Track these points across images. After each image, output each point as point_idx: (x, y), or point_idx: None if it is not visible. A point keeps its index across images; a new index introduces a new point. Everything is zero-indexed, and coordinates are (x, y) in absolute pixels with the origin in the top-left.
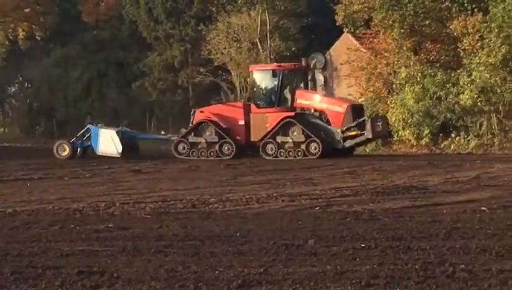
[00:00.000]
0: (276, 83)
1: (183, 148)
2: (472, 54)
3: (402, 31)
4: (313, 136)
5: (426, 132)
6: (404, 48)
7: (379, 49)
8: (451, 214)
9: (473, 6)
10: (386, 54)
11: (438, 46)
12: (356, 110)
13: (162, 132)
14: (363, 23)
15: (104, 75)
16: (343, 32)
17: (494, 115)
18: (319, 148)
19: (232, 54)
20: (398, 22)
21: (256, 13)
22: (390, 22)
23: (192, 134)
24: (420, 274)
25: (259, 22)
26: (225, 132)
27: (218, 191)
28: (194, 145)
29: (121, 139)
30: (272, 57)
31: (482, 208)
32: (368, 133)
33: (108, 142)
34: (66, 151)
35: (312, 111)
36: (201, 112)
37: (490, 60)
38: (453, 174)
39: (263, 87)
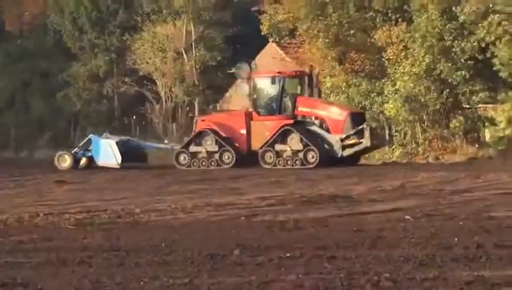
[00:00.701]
0: (276, 90)
1: (184, 158)
2: (396, 64)
3: (327, 40)
4: (310, 144)
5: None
6: (329, 58)
7: (304, 59)
8: (376, 223)
9: (397, 16)
10: (311, 64)
11: (363, 56)
12: (356, 117)
13: (165, 141)
14: (288, 33)
15: (28, 85)
16: (268, 42)
17: (418, 124)
18: (317, 157)
19: (157, 64)
20: (323, 32)
21: (181, 23)
22: (315, 31)
23: (193, 144)
24: (345, 283)
25: (185, 31)
26: (225, 141)
27: (145, 201)
28: (194, 155)
29: (124, 149)
30: (197, 67)
31: (406, 216)
32: (367, 141)
33: (107, 152)
34: (67, 162)
35: (313, 119)
36: (203, 120)
37: (414, 70)
38: (378, 183)
39: (264, 95)
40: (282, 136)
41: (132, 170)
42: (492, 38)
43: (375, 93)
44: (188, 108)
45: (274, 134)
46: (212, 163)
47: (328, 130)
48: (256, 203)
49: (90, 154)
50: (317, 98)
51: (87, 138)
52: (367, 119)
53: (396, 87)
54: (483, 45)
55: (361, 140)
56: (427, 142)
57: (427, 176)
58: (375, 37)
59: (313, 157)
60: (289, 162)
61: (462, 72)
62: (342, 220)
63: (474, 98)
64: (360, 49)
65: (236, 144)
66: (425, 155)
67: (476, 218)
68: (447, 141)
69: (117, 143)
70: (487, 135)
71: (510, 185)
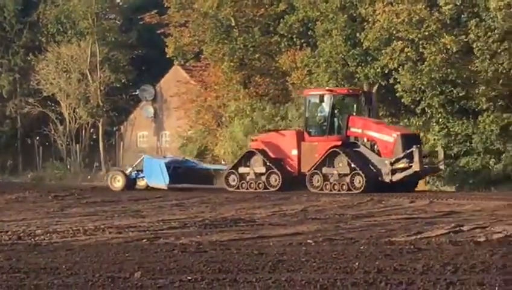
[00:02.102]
0: (327, 109)
1: (234, 180)
2: (300, 88)
3: (232, 64)
4: (357, 168)
5: None
6: (234, 81)
7: (209, 82)
8: (277, 247)
9: (302, 41)
10: (215, 87)
11: (267, 80)
12: (409, 139)
13: (223, 162)
14: (193, 55)
15: None
16: (173, 64)
17: None
18: (363, 182)
19: (62, 85)
20: (228, 56)
21: (86, 44)
22: (220, 55)
23: (242, 165)
24: None
25: (89, 52)
26: (274, 162)
27: (45, 222)
28: (243, 176)
29: (178, 170)
30: (101, 88)
31: (308, 240)
32: (416, 166)
33: (157, 173)
34: (120, 183)
35: (365, 140)
36: (255, 140)
37: None
38: (280, 207)
39: (315, 114)
40: (330, 158)
41: (33, 193)
42: (395, 64)
43: (279, 117)
44: (91, 129)
45: (322, 156)
46: (260, 185)
47: (378, 153)
48: (158, 226)
49: (143, 174)
50: (371, 118)
51: (141, 158)
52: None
53: (300, 111)
54: (386, 71)
55: (410, 164)
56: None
57: (329, 200)
58: (279, 61)
59: (359, 182)
60: (336, 186)
61: None
62: (244, 244)
63: None
64: (264, 73)
65: (287, 166)
66: None
67: (377, 243)
68: None
69: (168, 163)
70: None
71: (411, 210)
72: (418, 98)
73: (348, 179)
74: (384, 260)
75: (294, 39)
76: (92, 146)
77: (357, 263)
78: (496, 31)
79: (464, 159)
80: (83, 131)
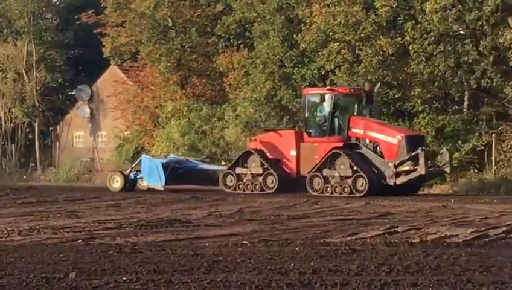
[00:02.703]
0: (327, 109)
1: (231, 180)
2: (237, 89)
3: (169, 64)
4: (360, 170)
5: None
6: (171, 82)
7: (146, 83)
8: (213, 248)
9: (239, 42)
10: (152, 88)
11: (204, 80)
12: (414, 141)
13: (223, 162)
14: (130, 56)
15: None
16: (110, 64)
17: None
18: (366, 184)
19: None
20: (165, 56)
21: (22, 43)
22: (157, 55)
23: (240, 165)
24: None
25: (26, 52)
26: (272, 163)
27: None
28: (240, 177)
29: (179, 170)
30: (37, 88)
31: (244, 241)
32: (421, 169)
33: (154, 173)
34: (118, 183)
35: (367, 142)
36: (254, 140)
37: (255, 96)
38: (216, 208)
39: (315, 114)
40: (331, 160)
41: None
42: (332, 66)
43: (215, 118)
44: (27, 129)
45: (322, 158)
46: (256, 187)
47: (382, 155)
48: (94, 227)
49: (141, 175)
50: (373, 118)
51: (140, 159)
52: (206, 144)
53: (237, 112)
54: (323, 73)
55: (415, 167)
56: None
57: (265, 201)
58: (216, 62)
59: (362, 184)
60: (337, 189)
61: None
62: (179, 245)
63: None
64: (201, 74)
65: (285, 168)
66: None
67: (312, 243)
68: None
69: (166, 164)
70: None
71: (346, 211)
72: None
73: (350, 181)
74: (319, 260)
75: (232, 40)
76: (28, 146)
77: (292, 264)
78: (431, 33)
79: None
80: (19, 131)
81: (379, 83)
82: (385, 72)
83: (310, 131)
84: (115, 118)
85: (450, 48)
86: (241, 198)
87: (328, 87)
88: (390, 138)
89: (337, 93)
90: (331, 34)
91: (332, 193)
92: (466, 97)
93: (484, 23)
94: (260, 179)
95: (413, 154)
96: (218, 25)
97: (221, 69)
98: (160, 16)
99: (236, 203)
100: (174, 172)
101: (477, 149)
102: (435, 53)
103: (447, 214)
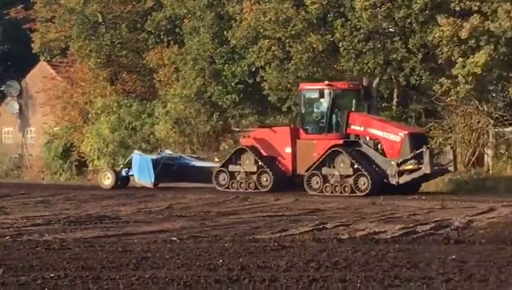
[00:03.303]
0: (326, 105)
1: (224, 179)
2: (167, 86)
3: (99, 60)
4: (362, 169)
5: (121, 161)
6: (101, 78)
7: (75, 78)
8: (142, 244)
9: (169, 38)
10: (82, 84)
11: (134, 76)
12: (416, 139)
13: (216, 159)
14: (59, 51)
15: None
16: (40, 60)
17: (188, 146)
18: (369, 183)
19: None
20: (95, 52)
21: None
22: (87, 51)
23: (233, 162)
24: None
25: None
26: (266, 161)
27: None
28: (233, 175)
29: (172, 167)
30: None
31: (173, 238)
32: (426, 168)
33: (144, 170)
34: (109, 180)
35: (367, 139)
36: (247, 136)
37: (185, 92)
38: (146, 205)
39: (312, 110)
40: (330, 158)
41: None
42: (262, 62)
43: (145, 115)
44: None
45: (321, 156)
46: (250, 185)
47: (383, 153)
48: (22, 223)
49: (132, 172)
50: (373, 115)
51: (131, 155)
52: (136, 140)
53: (167, 108)
54: (253, 69)
55: (420, 166)
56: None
57: (195, 197)
58: (147, 58)
59: (364, 183)
60: (337, 188)
61: (232, 95)
62: (108, 241)
63: (243, 121)
64: (131, 70)
65: (280, 165)
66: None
67: (241, 240)
68: None
69: (157, 160)
70: None
71: (276, 208)
72: (284, 97)
73: (351, 180)
74: (248, 257)
75: (162, 36)
76: None
77: (221, 260)
78: (361, 30)
79: None
80: None
81: (378, 78)
82: (315, 69)
83: (307, 128)
84: (44, 114)
85: (379, 46)
86: (170, 194)
87: (326, 82)
88: (393, 135)
89: (335, 89)
90: (261, 30)
91: (332, 192)
92: (395, 94)
93: (413, 21)
94: (254, 177)
95: (417, 152)
96: (149, 21)
97: (151, 65)
98: (90, 11)
99: (165, 199)
100: (166, 169)
101: None
102: (364, 50)
103: (376, 211)
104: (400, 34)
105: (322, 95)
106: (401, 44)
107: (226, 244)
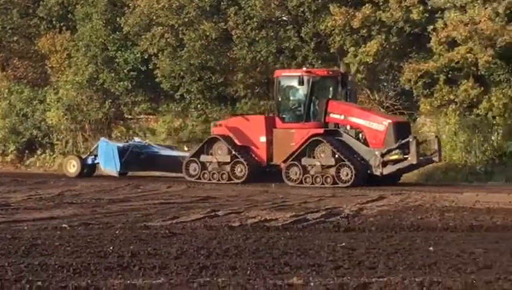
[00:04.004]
0: (304, 92)
1: (195, 169)
2: (60, 72)
3: None
4: (345, 159)
5: (12, 148)
6: None
7: None
8: (31, 231)
9: (61, 24)
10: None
11: (26, 62)
12: (400, 128)
13: (186, 148)
14: None
15: None
16: None
17: (80, 133)
18: (352, 174)
19: None
20: None
21: None
22: None
23: (204, 152)
24: None
25: None
26: (240, 151)
27: None
28: (205, 165)
29: (140, 155)
30: None
31: (63, 225)
32: (413, 158)
33: (110, 158)
34: (74, 168)
35: (348, 128)
36: (219, 125)
37: (77, 79)
38: (36, 191)
39: (290, 98)
40: (310, 148)
41: None
42: (155, 50)
43: (37, 101)
44: None
45: (301, 145)
46: (223, 176)
47: (365, 143)
48: None
49: (98, 160)
50: (353, 103)
51: (98, 142)
52: (27, 127)
53: (59, 95)
54: (146, 57)
55: (406, 156)
56: (88, 151)
57: (86, 185)
58: (38, 44)
59: (347, 174)
60: (318, 179)
61: (125, 82)
62: None
63: (136, 108)
64: (23, 56)
65: (254, 155)
66: None
67: (133, 227)
68: None
69: (124, 148)
70: None
71: (167, 195)
72: (177, 84)
73: (332, 171)
74: (138, 244)
75: (54, 22)
76: None
77: (111, 247)
78: (254, 19)
79: None
80: None
81: (356, 65)
82: (208, 56)
83: (284, 116)
84: None
85: (272, 34)
86: (62, 181)
87: (304, 69)
88: (376, 124)
89: (314, 76)
90: (154, 17)
91: (312, 183)
92: None
93: (306, 9)
94: (228, 167)
95: (403, 142)
96: (41, 7)
97: (43, 51)
98: None
99: (57, 186)
100: (134, 157)
101: None
102: (257, 39)
103: (268, 198)
104: (292, 22)
105: (300, 82)
106: (294, 33)
107: (117, 232)
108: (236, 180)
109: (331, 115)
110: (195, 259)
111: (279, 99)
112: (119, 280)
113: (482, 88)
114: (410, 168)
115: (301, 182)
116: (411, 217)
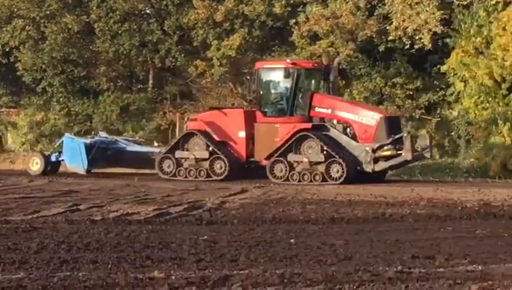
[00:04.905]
0: (289, 85)
1: (169, 166)
2: None
3: None
4: (336, 156)
5: None
6: None
7: None
8: None
9: None
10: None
11: None
12: (391, 123)
13: (155, 144)
14: None
15: None
16: None
17: None
18: (343, 171)
19: None
20: None
21: None
22: None
23: (180, 148)
24: None
25: None
26: (219, 146)
27: None
28: (180, 162)
29: (107, 152)
30: None
31: None
32: (407, 154)
33: (76, 155)
34: (38, 166)
35: (335, 122)
36: (194, 119)
37: None
38: None
39: (272, 91)
40: (296, 143)
41: None
42: (16, 42)
43: None
44: None
45: (286, 141)
46: (201, 173)
47: (354, 138)
48: None
49: (63, 157)
50: (339, 96)
51: (62, 138)
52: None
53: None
54: (7, 49)
55: (399, 152)
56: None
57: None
58: None
59: (338, 171)
60: (305, 176)
61: None
62: None
63: None
64: None
65: (232, 151)
66: None
67: None
68: None
69: (91, 144)
70: (10, 139)
71: (28, 189)
72: (39, 77)
73: (322, 168)
74: None
75: None
76: None
77: None
78: (117, 12)
79: None
80: None
81: (338, 57)
82: (70, 49)
83: (266, 110)
84: None
85: (135, 27)
86: None
87: (288, 60)
88: (366, 118)
89: (299, 68)
90: (15, 10)
91: (299, 180)
92: (151, 76)
93: (169, 3)
94: (206, 164)
95: (396, 137)
96: None
97: None
98: None
99: None
100: (101, 154)
101: (162, 128)
102: (120, 32)
103: (130, 192)
104: (156, 15)
105: (284, 75)
106: (157, 26)
107: None
108: (215, 177)
109: (317, 109)
110: (55, 253)
111: (260, 92)
112: None
113: (344, 81)
114: (403, 164)
115: (287, 179)
116: (273, 210)
